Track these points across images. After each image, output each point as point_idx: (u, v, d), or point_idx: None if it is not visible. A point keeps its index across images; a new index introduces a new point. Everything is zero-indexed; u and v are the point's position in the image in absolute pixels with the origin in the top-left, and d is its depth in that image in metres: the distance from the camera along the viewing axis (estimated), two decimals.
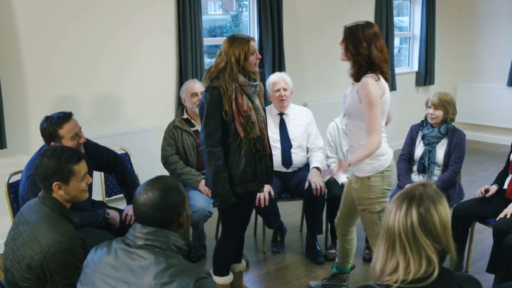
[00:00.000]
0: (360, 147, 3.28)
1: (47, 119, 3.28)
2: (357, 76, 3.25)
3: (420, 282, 1.70)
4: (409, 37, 8.48)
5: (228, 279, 3.59)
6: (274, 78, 4.52)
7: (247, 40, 3.28)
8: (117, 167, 3.73)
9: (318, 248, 4.46)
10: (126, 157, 4.39)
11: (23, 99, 4.57)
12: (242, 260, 3.84)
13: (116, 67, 5.14)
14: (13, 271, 2.45)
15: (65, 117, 3.27)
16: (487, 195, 3.93)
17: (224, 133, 3.30)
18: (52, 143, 3.26)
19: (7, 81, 4.44)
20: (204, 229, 4.38)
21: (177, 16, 5.44)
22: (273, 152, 4.39)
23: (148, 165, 5.29)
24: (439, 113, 4.21)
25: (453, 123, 4.30)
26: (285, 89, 4.45)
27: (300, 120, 4.56)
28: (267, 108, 4.60)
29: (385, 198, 3.38)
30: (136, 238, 1.97)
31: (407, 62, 8.57)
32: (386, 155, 3.34)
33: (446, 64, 8.78)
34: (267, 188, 4.18)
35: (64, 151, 2.61)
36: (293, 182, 4.47)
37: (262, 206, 4.17)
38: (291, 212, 5.41)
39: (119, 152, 4.38)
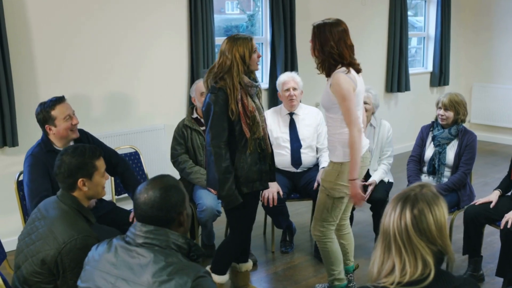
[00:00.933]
0: (335, 136, 3.38)
1: (41, 104, 3.41)
2: (328, 72, 3.35)
3: (417, 284, 1.68)
4: (424, 37, 8.41)
5: (225, 278, 3.62)
6: (284, 77, 4.52)
7: (249, 38, 3.32)
8: (119, 168, 3.74)
9: None
10: (136, 156, 4.42)
11: (35, 98, 4.60)
12: (249, 260, 3.84)
13: (128, 67, 5.17)
14: (26, 265, 2.47)
15: (58, 99, 3.40)
16: (491, 206, 3.89)
17: (229, 133, 3.31)
18: (46, 126, 3.37)
19: (20, 80, 4.50)
20: (213, 228, 4.39)
21: (189, 16, 5.47)
22: (283, 152, 4.44)
23: (159, 164, 5.31)
24: (450, 114, 4.17)
25: (464, 124, 4.25)
26: (294, 89, 4.44)
27: (310, 120, 4.55)
28: (277, 108, 4.62)
29: (348, 189, 3.41)
30: (136, 236, 1.99)
31: (422, 62, 8.51)
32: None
33: (461, 64, 8.71)
34: (276, 187, 4.19)
35: (86, 148, 2.68)
36: (302, 182, 4.46)
37: (271, 205, 4.17)
38: (301, 212, 5.40)
39: (129, 151, 4.42)
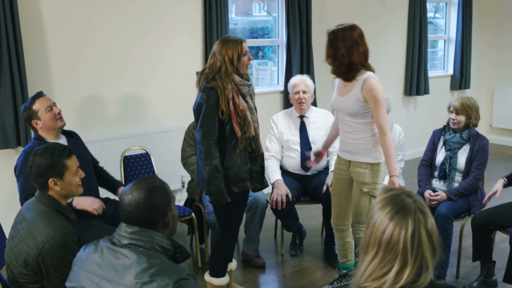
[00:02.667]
0: (368, 139, 3.42)
1: (23, 105, 3.55)
2: (348, 77, 3.37)
3: None
4: (445, 40, 8.30)
5: (224, 280, 3.63)
6: (295, 80, 4.50)
7: (240, 41, 3.35)
8: (98, 165, 3.88)
9: (336, 252, 4.41)
10: (146, 157, 4.46)
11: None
12: (234, 260, 3.87)
13: (142, 68, 5.22)
14: (12, 268, 2.51)
15: (36, 95, 3.54)
16: (497, 195, 3.85)
17: (219, 132, 3.33)
18: (33, 122, 3.47)
19: (34, 81, 4.57)
20: None
21: (203, 17, 5.49)
22: (293, 154, 4.44)
23: (172, 165, 5.35)
24: (461, 118, 4.10)
25: (475, 129, 4.18)
26: (304, 92, 4.43)
27: (320, 123, 4.52)
28: (288, 110, 4.61)
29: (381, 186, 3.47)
30: (121, 237, 2.00)
31: (442, 65, 8.39)
32: None
33: (483, 68, 8.57)
34: (285, 190, 4.19)
35: (55, 148, 2.68)
36: (312, 185, 4.44)
37: (279, 208, 4.16)
38: (314, 215, 5.37)
39: (140, 152, 4.46)
